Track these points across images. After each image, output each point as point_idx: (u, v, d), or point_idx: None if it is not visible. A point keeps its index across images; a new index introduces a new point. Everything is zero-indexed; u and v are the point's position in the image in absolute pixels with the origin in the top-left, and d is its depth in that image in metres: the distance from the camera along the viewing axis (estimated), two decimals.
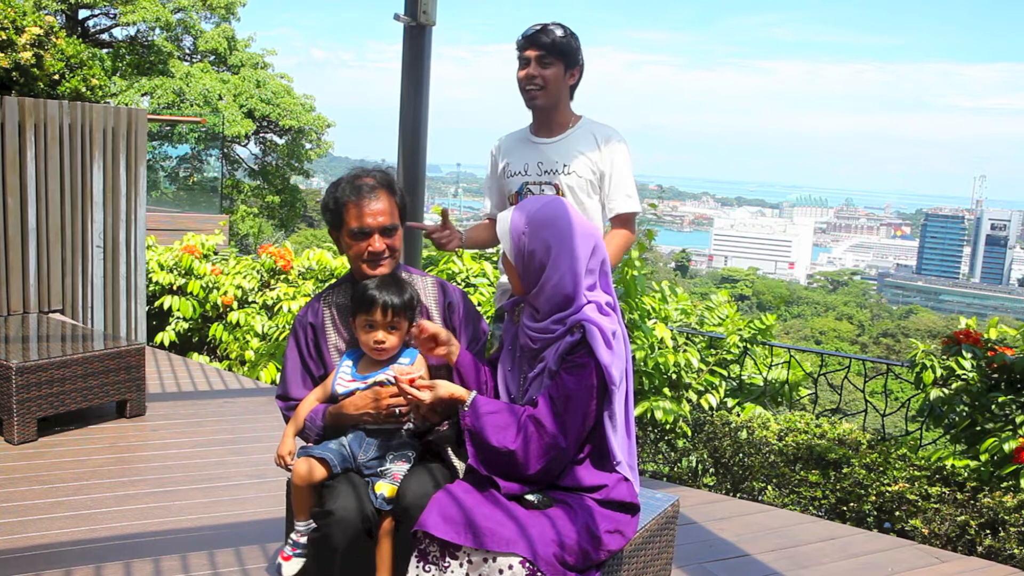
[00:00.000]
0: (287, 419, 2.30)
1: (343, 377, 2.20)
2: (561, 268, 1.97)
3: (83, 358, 4.03)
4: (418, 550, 1.91)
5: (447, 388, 2.03)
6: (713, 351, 4.77)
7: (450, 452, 2.25)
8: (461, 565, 1.85)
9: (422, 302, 2.32)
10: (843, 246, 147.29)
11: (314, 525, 2.10)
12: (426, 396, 2.01)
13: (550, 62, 2.80)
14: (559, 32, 2.79)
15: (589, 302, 1.99)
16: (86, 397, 4.06)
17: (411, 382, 2.02)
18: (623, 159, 2.91)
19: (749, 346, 4.70)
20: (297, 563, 2.14)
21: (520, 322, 2.09)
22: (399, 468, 2.11)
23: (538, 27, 2.81)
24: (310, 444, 2.21)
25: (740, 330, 4.76)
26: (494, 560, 1.81)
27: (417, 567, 1.89)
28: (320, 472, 2.09)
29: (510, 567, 1.80)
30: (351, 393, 2.17)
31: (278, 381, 2.41)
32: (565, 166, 2.88)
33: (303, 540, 2.13)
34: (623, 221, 2.93)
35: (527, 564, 1.80)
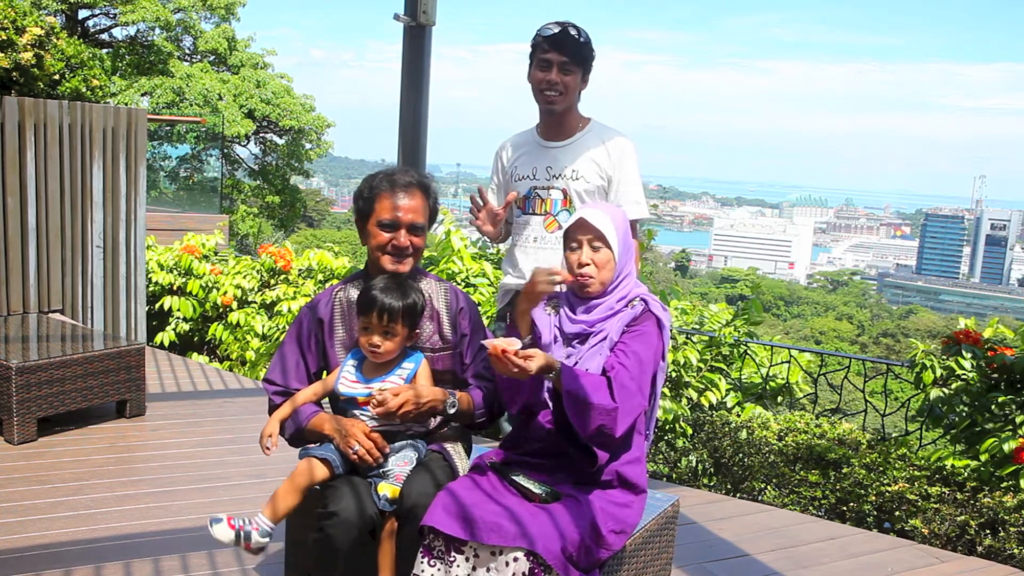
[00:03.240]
0: (272, 402, 2.29)
1: (347, 377, 2.19)
2: (631, 257, 2.24)
3: (83, 358, 4.03)
4: (424, 546, 1.92)
5: (546, 357, 2.01)
6: (712, 349, 4.76)
7: (451, 452, 2.25)
8: (467, 560, 1.86)
9: (435, 307, 2.31)
10: (843, 246, 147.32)
11: (270, 530, 2.09)
12: (533, 365, 1.96)
13: (571, 69, 2.77)
14: (580, 37, 2.75)
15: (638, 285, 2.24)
16: (86, 397, 4.06)
17: (515, 353, 1.95)
18: (632, 165, 2.89)
19: (748, 340, 4.69)
20: (228, 535, 2.07)
21: (561, 313, 2.19)
22: (401, 469, 2.11)
23: (557, 28, 2.75)
24: (311, 445, 2.20)
25: (732, 322, 4.77)
26: (500, 554, 1.82)
27: (423, 562, 1.90)
28: (322, 472, 2.09)
29: (516, 560, 1.81)
30: (353, 398, 2.17)
31: (270, 364, 2.38)
32: (574, 171, 2.86)
33: (252, 533, 2.07)
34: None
35: (531, 557, 1.80)
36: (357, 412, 2.18)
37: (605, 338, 2.10)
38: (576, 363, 2.10)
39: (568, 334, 2.16)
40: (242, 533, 2.07)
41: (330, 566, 2.00)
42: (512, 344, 1.97)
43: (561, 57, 2.75)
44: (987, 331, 4.09)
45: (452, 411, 2.19)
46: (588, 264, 2.13)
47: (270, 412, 2.29)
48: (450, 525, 1.86)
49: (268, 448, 2.20)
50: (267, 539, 2.09)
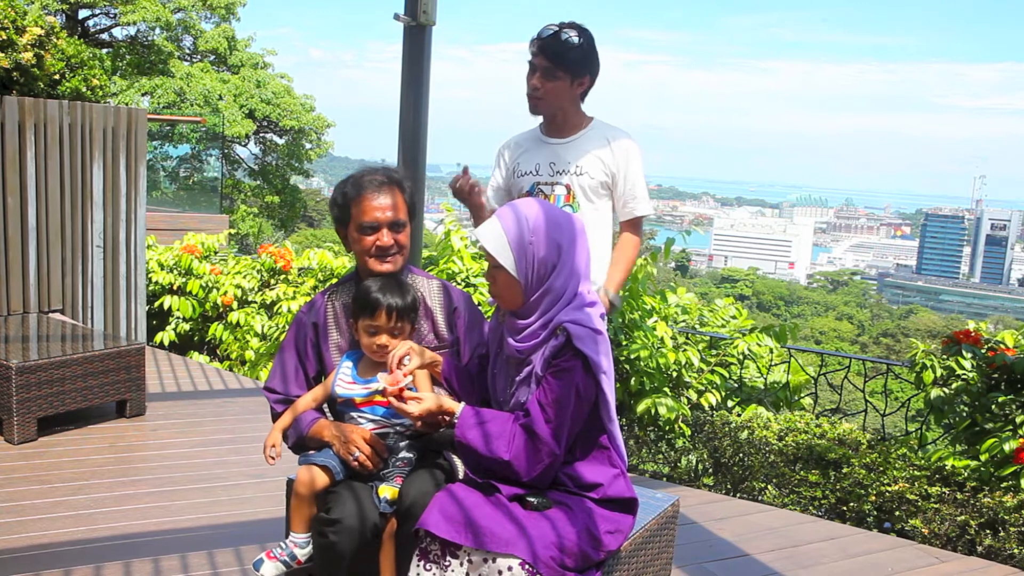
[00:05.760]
0: (274, 411, 2.29)
1: (343, 379, 2.19)
2: (567, 265, 1.97)
3: (83, 358, 4.03)
4: (419, 549, 1.91)
5: (436, 401, 2.00)
6: (714, 351, 4.76)
7: (451, 453, 2.25)
8: (461, 564, 1.85)
9: (428, 305, 2.30)
10: (843, 246, 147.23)
11: (307, 539, 2.10)
12: (414, 409, 1.97)
13: (556, 75, 2.76)
14: (574, 40, 2.72)
15: (579, 299, 1.98)
16: (86, 397, 4.06)
17: (400, 392, 1.99)
18: (637, 163, 2.90)
19: (752, 349, 4.69)
20: (278, 567, 2.10)
21: (505, 326, 2.05)
22: (401, 471, 2.11)
23: (552, 31, 2.74)
24: (312, 452, 2.20)
25: (744, 332, 4.75)
26: (494, 561, 1.81)
27: (418, 566, 1.89)
28: (323, 480, 2.08)
29: (509, 568, 1.79)
30: (351, 398, 2.17)
31: (269, 371, 2.38)
32: (577, 167, 2.87)
33: (295, 551, 2.11)
34: (634, 224, 2.94)
35: (526, 567, 1.79)
36: (355, 414, 2.17)
37: (532, 373, 1.96)
38: (514, 394, 2.01)
39: (508, 356, 2.04)
40: (287, 558, 2.10)
41: (335, 571, 2.00)
42: (400, 382, 1.97)
43: (544, 62, 2.75)
44: (1008, 338, 4.02)
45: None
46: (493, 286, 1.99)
47: (273, 420, 2.29)
48: (446, 529, 1.85)
49: (272, 458, 2.20)
50: (309, 547, 2.11)
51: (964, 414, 3.90)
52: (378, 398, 2.14)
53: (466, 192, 2.83)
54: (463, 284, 5.22)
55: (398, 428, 2.15)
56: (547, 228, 1.95)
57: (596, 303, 2.01)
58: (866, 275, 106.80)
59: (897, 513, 3.69)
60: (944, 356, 4.07)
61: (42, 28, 6.33)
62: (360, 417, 2.16)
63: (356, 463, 2.08)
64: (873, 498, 3.76)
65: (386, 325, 2.13)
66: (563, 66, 2.75)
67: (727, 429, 4.28)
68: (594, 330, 1.93)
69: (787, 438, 4.12)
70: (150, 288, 6.43)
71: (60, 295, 5.44)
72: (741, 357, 4.72)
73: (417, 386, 2.14)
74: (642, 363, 4.39)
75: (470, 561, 1.84)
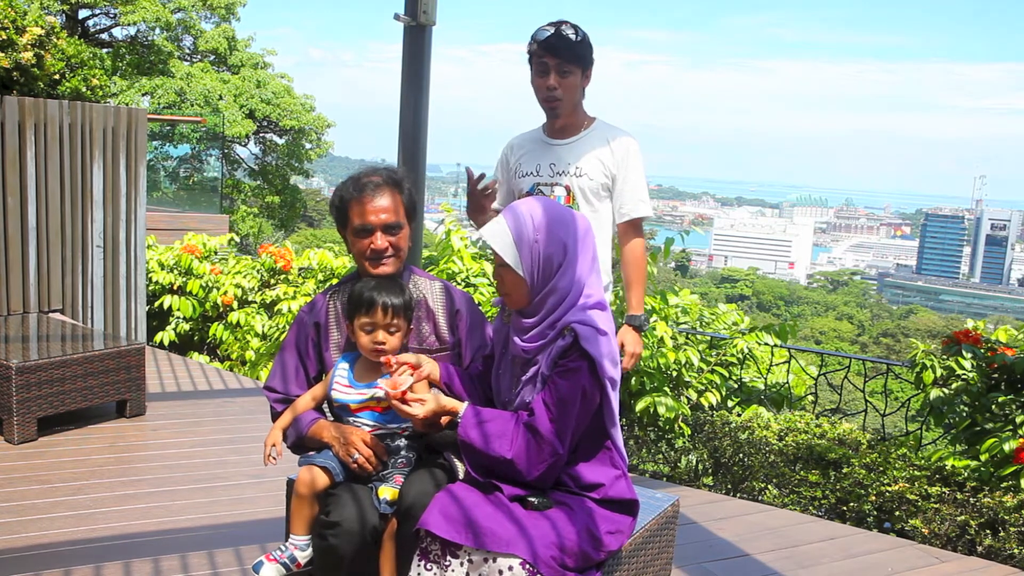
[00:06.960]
0: (273, 410, 2.28)
1: (339, 383, 2.18)
2: (575, 265, 1.96)
3: (83, 358, 4.03)
4: (420, 548, 1.91)
5: (439, 401, 2.00)
6: (714, 351, 4.76)
7: (451, 454, 2.24)
8: (462, 564, 1.85)
9: (430, 307, 2.29)
10: (843, 246, 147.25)
11: (307, 542, 2.10)
12: (418, 411, 1.97)
13: (569, 71, 2.75)
14: (574, 36, 2.73)
15: (584, 299, 1.96)
16: (86, 397, 4.06)
17: (403, 395, 1.98)
18: (637, 163, 2.89)
19: (752, 349, 4.69)
20: (278, 570, 2.10)
21: (511, 326, 2.04)
22: (401, 471, 2.10)
23: (552, 30, 2.74)
24: (311, 452, 2.19)
25: (744, 332, 4.75)
26: (494, 560, 1.81)
27: (419, 566, 1.89)
28: (323, 481, 2.08)
29: (510, 568, 1.79)
30: (346, 404, 2.16)
31: (270, 370, 2.37)
32: (577, 168, 2.86)
33: (295, 554, 2.10)
34: (634, 226, 2.92)
35: (527, 566, 1.79)
36: (351, 419, 2.17)
37: (538, 372, 1.95)
38: (519, 393, 2.01)
39: (514, 356, 2.04)
40: (287, 560, 2.10)
41: (333, 573, 2.00)
42: (401, 384, 1.96)
43: (557, 60, 2.75)
44: (1000, 334, 4.01)
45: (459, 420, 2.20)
46: (503, 286, 1.98)
47: (273, 420, 2.28)
48: (446, 529, 1.85)
49: (273, 459, 2.19)
50: (309, 549, 2.11)
51: (964, 414, 3.90)
52: (373, 404, 2.14)
53: (479, 194, 2.83)
54: (463, 284, 5.22)
55: (396, 431, 2.15)
56: (552, 226, 1.95)
57: (604, 304, 2.00)
58: (866, 275, 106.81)
59: (897, 513, 3.69)
60: (944, 356, 4.07)
61: (42, 28, 6.34)
62: (356, 421, 2.16)
63: (355, 465, 2.08)
64: (873, 498, 3.76)
65: (382, 321, 2.12)
66: (573, 60, 2.76)
67: (727, 429, 4.28)
68: (601, 331, 1.93)
69: (787, 438, 4.12)
70: (150, 288, 6.43)
71: (60, 295, 5.43)
72: (741, 357, 4.72)
73: (414, 389, 2.14)
74: (642, 363, 4.39)
75: (470, 561, 1.84)
